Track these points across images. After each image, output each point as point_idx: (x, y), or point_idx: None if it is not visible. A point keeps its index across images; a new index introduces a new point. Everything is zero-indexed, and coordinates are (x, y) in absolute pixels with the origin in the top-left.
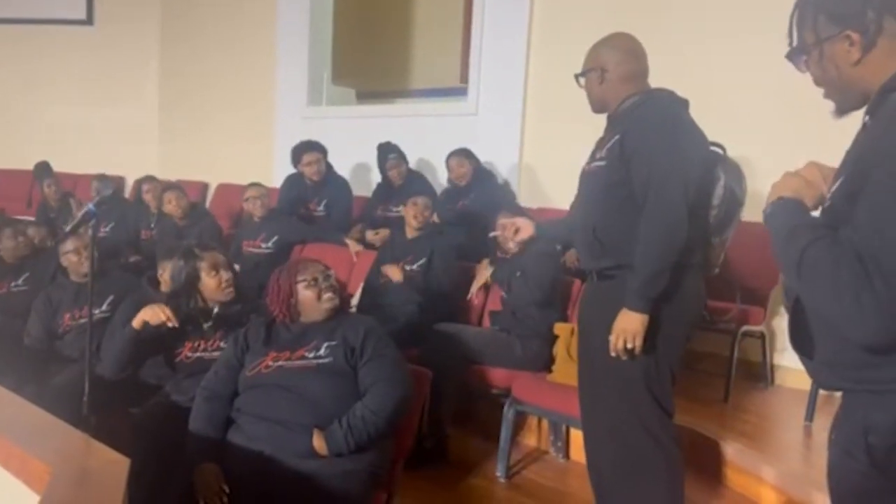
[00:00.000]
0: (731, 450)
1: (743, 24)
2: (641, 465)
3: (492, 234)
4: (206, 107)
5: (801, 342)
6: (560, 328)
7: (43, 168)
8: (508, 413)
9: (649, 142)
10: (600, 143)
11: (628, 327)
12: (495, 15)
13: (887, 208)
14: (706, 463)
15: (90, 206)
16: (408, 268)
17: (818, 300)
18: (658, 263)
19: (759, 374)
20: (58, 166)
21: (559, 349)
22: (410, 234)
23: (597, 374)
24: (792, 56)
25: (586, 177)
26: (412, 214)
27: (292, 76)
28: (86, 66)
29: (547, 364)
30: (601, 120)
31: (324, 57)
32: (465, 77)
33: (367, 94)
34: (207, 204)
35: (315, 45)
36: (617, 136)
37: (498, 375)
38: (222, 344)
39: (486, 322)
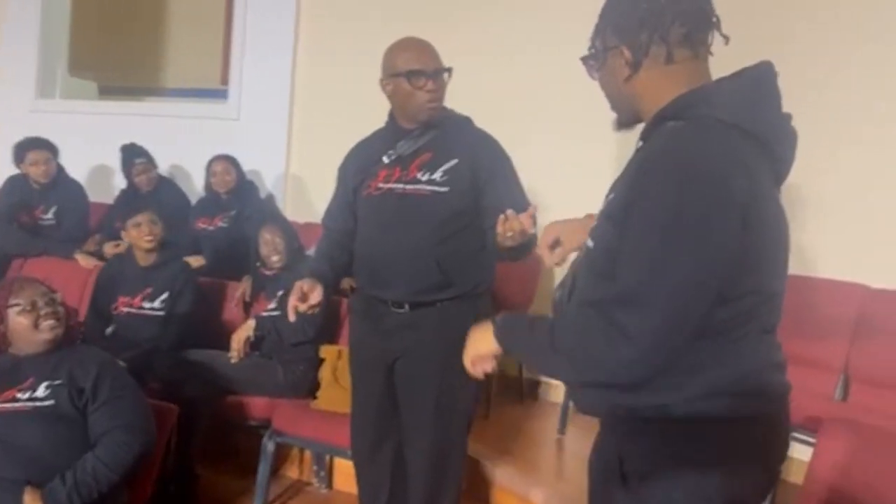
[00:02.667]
0: (497, 470)
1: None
2: (449, 495)
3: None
4: None
5: None
6: (327, 351)
7: None
8: (268, 445)
9: (505, 169)
10: (418, 162)
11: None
12: (259, 15)
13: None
14: (472, 483)
15: None
16: (147, 305)
17: (578, 361)
18: None
19: (516, 388)
20: None
21: (324, 373)
22: (144, 260)
23: (425, 405)
24: (584, 61)
25: (407, 198)
26: (140, 237)
27: (18, 63)
28: None
29: (311, 389)
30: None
31: (59, 44)
32: (225, 79)
33: (112, 90)
34: None
35: (48, 30)
36: (455, 161)
37: (257, 405)
38: None
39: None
